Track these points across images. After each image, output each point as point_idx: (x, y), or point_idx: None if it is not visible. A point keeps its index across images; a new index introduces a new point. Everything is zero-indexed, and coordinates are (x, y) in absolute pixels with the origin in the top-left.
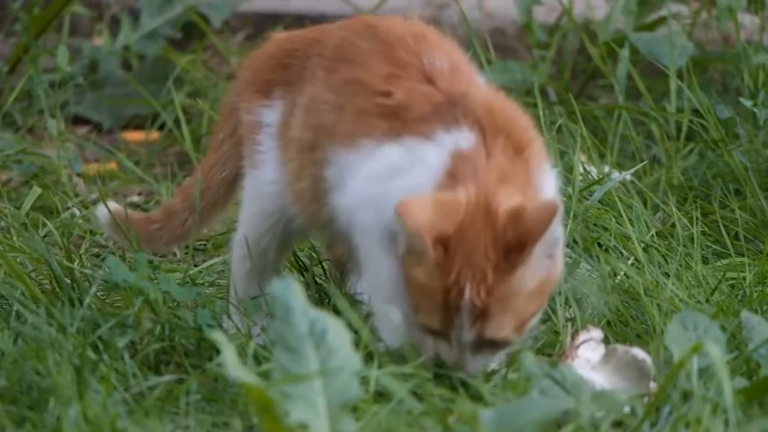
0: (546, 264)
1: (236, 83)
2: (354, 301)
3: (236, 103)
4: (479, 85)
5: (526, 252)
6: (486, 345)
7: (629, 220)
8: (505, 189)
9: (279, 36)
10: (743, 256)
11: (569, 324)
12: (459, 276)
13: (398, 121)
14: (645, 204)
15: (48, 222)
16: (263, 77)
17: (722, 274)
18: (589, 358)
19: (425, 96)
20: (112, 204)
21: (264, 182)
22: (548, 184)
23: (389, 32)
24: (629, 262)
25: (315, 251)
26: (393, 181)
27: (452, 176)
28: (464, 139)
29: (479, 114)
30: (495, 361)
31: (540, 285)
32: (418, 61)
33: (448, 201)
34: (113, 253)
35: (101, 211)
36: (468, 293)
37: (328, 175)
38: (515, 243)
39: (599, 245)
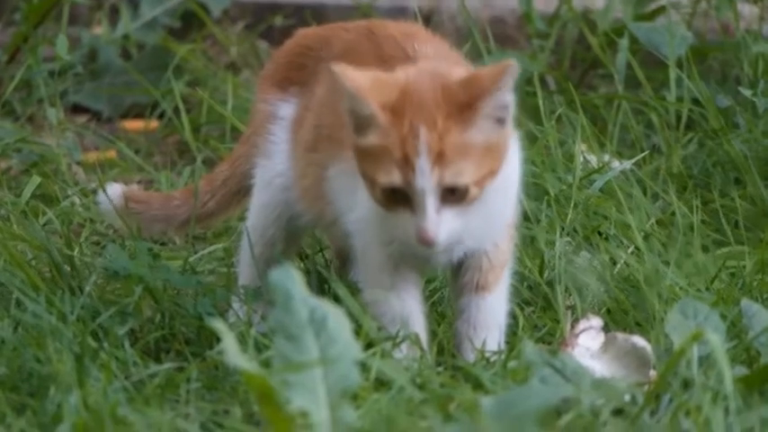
0: (496, 127)
1: (260, 76)
2: (355, 290)
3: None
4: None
5: (477, 107)
6: (448, 197)
7: (629, 208)
8: (458, 69)
9: (301, 32)
10: (743, 244)
11: (569, 312)
12: (412, 124)
13: None
14: (645, 193)
15: (48, 210)
16: (282, 73)
17: (722, 262)
18: (589, 346)
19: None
20: (118, 186)
21: (274, 173)
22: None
23: (384, 34)
24: (630, 250)
25: (316, 239)
26: None
27: None
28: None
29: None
30: (458, 224)
31: (491, 146)
32: (403, 52)
33: (385, 77)
34: (113, 241)
35: (103, 198)
36: (423, 135)
37: (327, 185)
38: (466, 101)
39: (599, 233)
